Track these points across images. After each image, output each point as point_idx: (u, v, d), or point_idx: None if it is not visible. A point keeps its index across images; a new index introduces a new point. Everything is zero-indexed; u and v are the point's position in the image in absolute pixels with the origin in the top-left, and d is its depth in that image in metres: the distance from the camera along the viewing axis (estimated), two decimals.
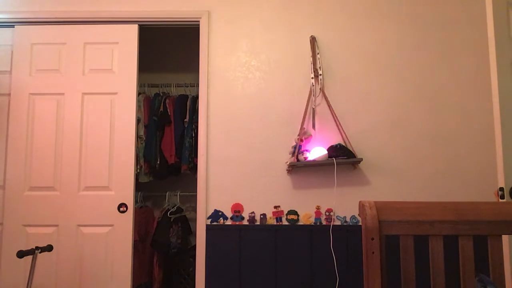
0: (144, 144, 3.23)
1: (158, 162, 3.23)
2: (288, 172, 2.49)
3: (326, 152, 2.37)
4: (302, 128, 2.49)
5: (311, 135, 2.50)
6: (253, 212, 2.47)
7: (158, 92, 3.49)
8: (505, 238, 1.92)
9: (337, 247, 2.41)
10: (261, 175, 2.50)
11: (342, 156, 2.35)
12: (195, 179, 2.84)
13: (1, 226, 2.52)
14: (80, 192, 2.53)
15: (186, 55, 3.82)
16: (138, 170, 3.18)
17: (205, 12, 2.63)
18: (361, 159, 2.38)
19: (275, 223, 2.46)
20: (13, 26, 2.66)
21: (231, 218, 2.47)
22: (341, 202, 2.47)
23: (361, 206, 1.33)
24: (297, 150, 2.40)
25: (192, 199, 3.53)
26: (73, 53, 2.63)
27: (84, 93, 2.60)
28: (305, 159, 2.37)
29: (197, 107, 3.05)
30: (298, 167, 2.46)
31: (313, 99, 2.54)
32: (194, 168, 3.13)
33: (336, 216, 2.45)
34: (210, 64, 2.60)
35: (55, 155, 2.55)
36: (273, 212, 2.47)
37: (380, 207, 1.31)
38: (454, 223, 1.29)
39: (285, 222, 2.46)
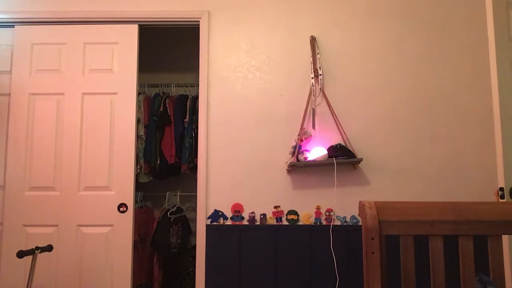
0: (144, 144, 3.23)
1: (158, 162, 3.23)
2: (288, 172, 2.49)
3: (326, 152, 2.36)
4: (302, 128, 2.48)
5: (311, 135, 2.50)
6: (253, 212, 2.47)
7: (158, 92, 3.49)
8: (505, 238, 1.92)
9: (337, 247, 2.41)
10: (261, 175, 2.50)
11: (342, 156, 2.35)
12: (195, 179, 2.83)
13: (1, 226, 2.52)
14: (80, 192, 2.53)
15: (186, 55, 3.82)
16: (138, 170, 3.18)
17: (205, 12, 2.63)
18: (361, 159, 2.38)
19: (275, 223, 2.46)
20: (13, 26, 2.66)
21: (231, 218, 2.47)
22: (341, 202, 2.47)
23: (361, 206, 1.33)
24: (297, 150, 2.40)
25: (192, 199, 3.53)
26: (73, 53, 2.63)
27: (84, 93, 2.60)
28: (305, 159, 2.37)
29: (197, 107, 3.05)
30: (298, 167, 2.46)
31: (313, 99, 2.54)
32: (194, 168, 3.13)
33: (336, 216, 2.45)
34: (210, 64, 2.60)
35: (55, 155, 2.55)
36: (273, 212, 2.47)
37: (380, 207, 1.31)
38: (454, 223, 1.29)
39: (285, 222, 2.46)
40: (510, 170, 1.93)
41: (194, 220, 2.67)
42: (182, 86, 3.58)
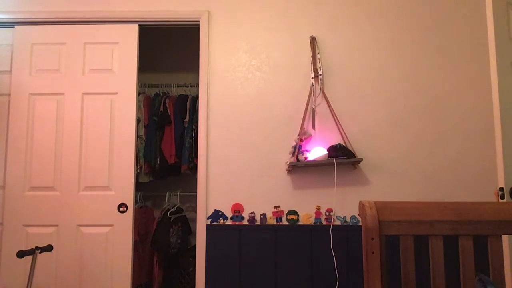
0: (144, 144, 3.23)
1: (158, 162, 3.23)
2: (288, 172, 2.49)
3: (326, 152, 2.36)
4: (302, 128, 2.49)
5: (311, 135, 2.50)
6: (253, 212, 2.47)
7: (158, 92, 3.49)
8: (505, 238, 1.92)
9: (337, 247, 2.41)
10: (261, 175, 2.50)
11: (342, 156, 2.35)
12: (195, 179, 2.84)
13: (1, 226, 2.52)
14: (80, 192, 2.53)
15: (186, 55, 3.82)
16: (138, 170, 3.18)
17: (205, 12, 2.63)
18: (361, 159, 2.38)
19: (275, 223, 2.46)
20: (13, 26, 2.66)
21: (231, 218, 2.47)
22: (341, 202, 2.47)
23: (361, 206, 1.33)
24: (297, 150, 2.40)
25: (192, 199, 3.53)
26: (73, 53, 2.63)
27: (84, 93, 2.60)
28: (305, 159, 2.37)
29: (197, 107, 3.05)
30: (298, 167, 2.46)
31: (313, 99, 2.54)
32: (194, 168, 3.13)
33: (336, 216, 2.45)
34: (210, 64, 2.60)
35: (55, 155, 2.55)
36: (273, 212, 2.47)
37: (380, 207, 1.31)
38: (454, 223, 1.29)
39: (285, 222, 2.46)
40: (510, 170, 1.93)
41: (194, 220, 2.67)
42: (182, 86, 3.58)
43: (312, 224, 2.45)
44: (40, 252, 2.14)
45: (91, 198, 2.52)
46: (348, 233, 2.43)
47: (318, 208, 2.46)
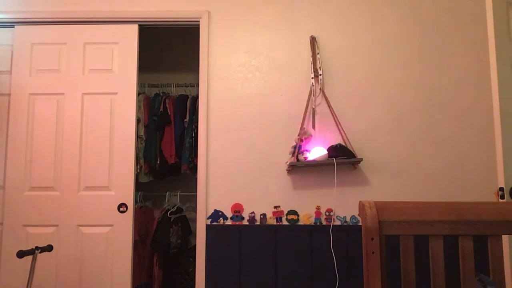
0: (144, 144, 3.23)
1: (158, 162, 3.23)
2: (288, 172, 2.49)
3: (326, 152, 2.36)
4: (302, 128, 2.48)
5: (311, 135, 2.50)
6: (253, 212, 2.47)
7: (158, 92, 3.49)
8: (505, 238, 1.92)
9: (337, 247, 2.41)
10: (261, 175, 2.50)
11: (342, 156, 2.35)
12: (195, 179, 2.83)
13: (1, 226, 2.52)
14: (80, 192, 2.53)
15: (186, 55, 3.82)
16: (138, 170, 3.18)
17: (205, 12, 2.63)
18: (361, 159, 2.38)
19: (275, 223, 2.46)
20: (13, 26, 2.66)
21: (231, 218, 2.47)
22: (341, 202, 2.47)
23: (361, 206, 1.33)
24: (297, 150, 2.40)
25: (192, 199, 3.53)
26: (73, 53, 2.63)
27: (84, 93, 2.60)
28: (305, 159, 2.37)
29: (197, 107, 3.05)
30: (298, 167, 2.46)
31: (313, 99, 2.54)
32: (194, 168, 3.13)
33: (336, 216, 2.45)
34: (210, 64, 2.60)
35: (55, 155, 2.55)
36: (273, 212, 2.47)
37: (380, 207, 1.31)
38: (454, 223, 1.29)
39: (285, 222, 2.46)
40: (510, 170, 1.93)
41: (194, 220, 2.67)
42: (182, 86, 3.58)
43: (312, 224, 2.45)
44: (40, 252, 2.14)
45: (91, 198, 2.52)
46: (348, 233, 2.43)
47: (318, 208, 2.46)
